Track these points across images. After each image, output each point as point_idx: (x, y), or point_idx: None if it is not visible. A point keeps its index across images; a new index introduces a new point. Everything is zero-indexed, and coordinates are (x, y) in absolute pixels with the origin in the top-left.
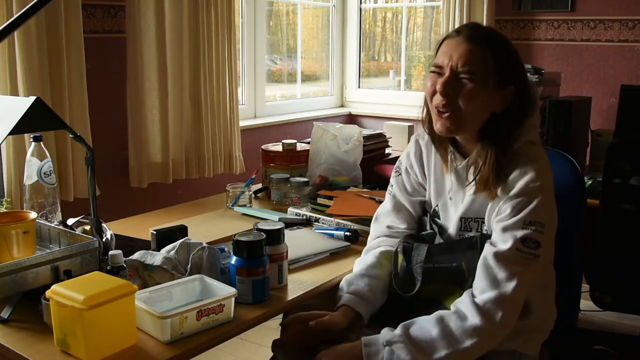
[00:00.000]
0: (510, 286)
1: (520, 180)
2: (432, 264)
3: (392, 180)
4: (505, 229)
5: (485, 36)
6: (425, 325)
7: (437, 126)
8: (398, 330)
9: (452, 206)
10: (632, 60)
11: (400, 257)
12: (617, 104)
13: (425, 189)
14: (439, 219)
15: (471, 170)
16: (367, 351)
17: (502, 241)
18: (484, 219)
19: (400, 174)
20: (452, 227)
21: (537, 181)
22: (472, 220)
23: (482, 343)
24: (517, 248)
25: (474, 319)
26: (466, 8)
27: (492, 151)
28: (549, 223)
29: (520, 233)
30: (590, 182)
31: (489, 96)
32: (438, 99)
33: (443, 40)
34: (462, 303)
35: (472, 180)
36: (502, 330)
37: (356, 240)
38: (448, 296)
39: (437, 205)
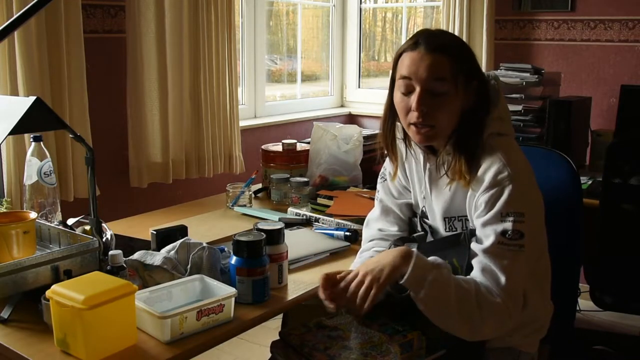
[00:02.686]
0: (501, 280)
1: (488, 173)
2: None
3: (378, 187)
4: (484, 225)
5: (442, 43)
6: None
7: (416, 139)
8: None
9: (435, 206)
10: (632, 60)
11: None
12: (617, 104)
13: (410, 192)
14: (428, 219)
15: (442, 168)
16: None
17: (484, 237)
18: (467, 216)
19: (385, 180)
20: (440, 227)
21: (504, 171)
22: (455, 219)
23: (497, 318)
24: (499, 242)
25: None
26: (466, 8)
27: (463, 144)
28: (529, 211)
29: (499, 227)
30: (590, 182)
31: (460, 98)
32: (414, 115)
33: (401, 54)
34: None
35: (444, 174)
36: (509, 319)
37: (356, 240)
38: None
39: (424, 207)
